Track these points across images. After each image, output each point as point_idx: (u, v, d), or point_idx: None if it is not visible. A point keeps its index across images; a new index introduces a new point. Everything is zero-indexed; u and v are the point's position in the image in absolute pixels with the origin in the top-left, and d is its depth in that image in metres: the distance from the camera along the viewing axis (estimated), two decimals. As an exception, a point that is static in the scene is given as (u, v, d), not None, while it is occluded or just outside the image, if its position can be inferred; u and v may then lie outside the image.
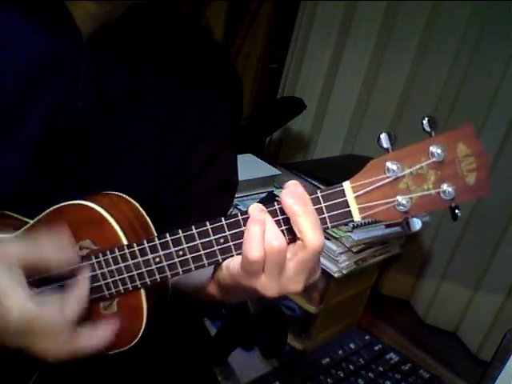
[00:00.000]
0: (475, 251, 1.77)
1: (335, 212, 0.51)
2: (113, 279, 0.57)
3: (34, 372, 0.62)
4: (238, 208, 1.57)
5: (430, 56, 1.80)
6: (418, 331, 1.93)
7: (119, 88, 0.66)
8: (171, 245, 0.54)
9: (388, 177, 0.49)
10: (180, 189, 0.73)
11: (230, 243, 0.53)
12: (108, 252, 0.56)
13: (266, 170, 1.75)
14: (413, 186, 0.49)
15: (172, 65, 0.69)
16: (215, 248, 0.53)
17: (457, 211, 0.50)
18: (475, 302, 1.81)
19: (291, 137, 2.22)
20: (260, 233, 0.50)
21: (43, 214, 0.59)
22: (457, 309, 1.87)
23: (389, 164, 0.49)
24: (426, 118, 0.49)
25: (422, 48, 1.81)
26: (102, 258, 0.57)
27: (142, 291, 0.58)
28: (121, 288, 0.57)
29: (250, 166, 1.70)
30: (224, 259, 0.54)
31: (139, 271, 0.56)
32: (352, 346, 0.80)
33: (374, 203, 0.50)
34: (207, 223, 0.53)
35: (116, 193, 0.62)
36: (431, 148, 0.49)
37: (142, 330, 0.58)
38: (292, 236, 0.51)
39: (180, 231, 0.54)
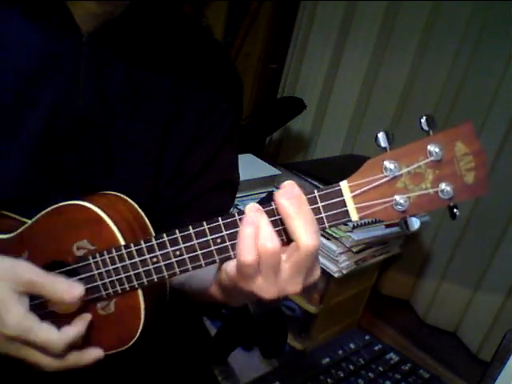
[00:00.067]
0: (475, 251, 1.77)
1: (332, 212, 0.51)
2: (110, 279, 0.57)
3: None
4: (238, 208, 1.57)
5: (430, 56, 1.80)
6: (417, 331, 1.92)
7: (119, 87, 0.66)
8: (168, 245, 0.54)
9: (385, 176, 0.49)
10: (180, 189, 0.73)
11: (227, 243, 0.53)
12: (105, 252, 0.56)
13: (266, 170, 1.75)
14: (411, 185, 0.49)
15: (172, 64, 0.69)
16: (212, 248, 0.53)
17: (455, 210, 0.50)
18: (475, 302, 1.81)
19: (291, 137, 2.21)
20: (253, 235, 0.49)
21: (40, 214, 0.59)
22: (457, 309, 1.86)
23: (386, 163, 0.49)
24: (424, 117, 0.49)
25: (422, 48, 1.81)
26: (99, 259, 0.57)
27: (140, 291, 0.58)
28: (118, 288, 0.57)
29: (249, 166, 1.70)
30: (221, 259, 0.54)
31: (136, 271, 0.56)
32: (352, 345, 0.80)
33: (372, 203, 0.50)
34: (204, 223, 0.53)
35: (114, 193, 0.62)
36: (429, 147, 0.48)
37: (139, 330, 0.58)
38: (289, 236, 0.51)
39: (177, 231, 0.53)
